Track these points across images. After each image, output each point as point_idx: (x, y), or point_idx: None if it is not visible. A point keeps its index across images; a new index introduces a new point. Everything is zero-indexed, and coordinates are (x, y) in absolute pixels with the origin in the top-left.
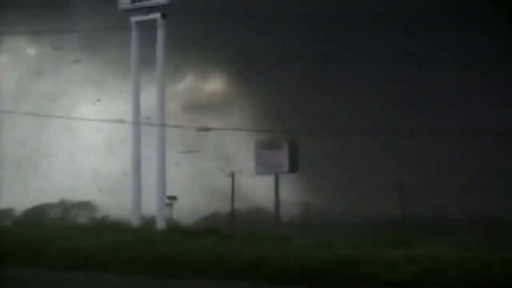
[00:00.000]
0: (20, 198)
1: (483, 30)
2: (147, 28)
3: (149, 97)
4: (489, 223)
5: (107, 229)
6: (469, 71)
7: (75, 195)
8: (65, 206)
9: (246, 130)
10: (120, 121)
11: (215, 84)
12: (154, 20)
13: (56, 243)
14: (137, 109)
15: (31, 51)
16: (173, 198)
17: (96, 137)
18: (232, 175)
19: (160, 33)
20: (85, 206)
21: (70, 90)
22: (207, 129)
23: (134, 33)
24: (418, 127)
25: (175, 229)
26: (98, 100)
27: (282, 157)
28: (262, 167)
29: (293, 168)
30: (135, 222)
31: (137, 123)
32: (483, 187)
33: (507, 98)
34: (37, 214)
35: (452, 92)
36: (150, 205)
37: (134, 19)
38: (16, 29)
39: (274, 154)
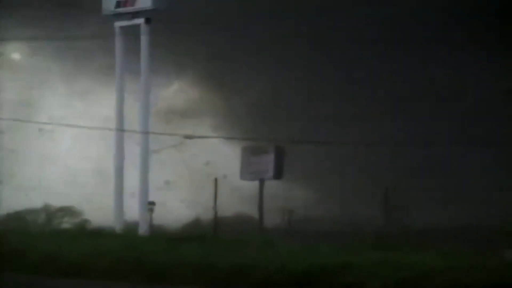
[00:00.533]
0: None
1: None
2: (131, 34)
3: (133, 104)
4: (475, 232)
5: (89, 235)
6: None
7: (58, 201)
8: (48, 212)
9: (231, 138)
10: (104, 128)
11: (200, 91)
12: (138, 26)
13: (37, 248)
14: (120, 115)
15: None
16: (152, 203)
17: (78, 143)
18: (216, 181)
19: (144, 39)
20: (68, 211)
21: (50, 96)
22: (192, 137)
23: (117, 38)
24: (406, 136)
25: (158, 235)
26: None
27: (268, 163)
28: (247, 173)
29: (279, 174)
30: (118, 227)
31: (121, 130)
32: (471, 196)
33: (497, 108)
34: (18, 219)
35: (439, 100)
36: (133, 211)
37: (118, 24)
38: None
39: (260, 160)
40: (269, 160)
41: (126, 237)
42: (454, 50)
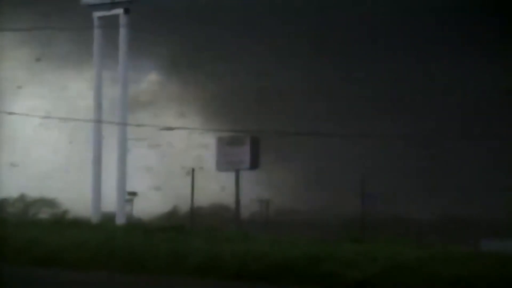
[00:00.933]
0: None
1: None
2: (110, 25)
3: (111, 95)
4: (452, 223)
5: (67, 225)
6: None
7: (35, 191)
8: (25, 202)
9: (207, 130)
10: (82, 119)
11: (176, 82)
12: (117, 16)
13: (13, 238)
14: (98, 106)
15: None
16: (134, 193)
17: (57, 133)
18: (192, 171)
19: (122, 30)
20: (45, 202)
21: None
22: (169, 128)
23: (96, 29)
24: (384, 128)
25: (134, 225)
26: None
27: (244, 153)
28: (223, 164)
29: (255, 164)
30: (95, 218)
31: (98, 121)
32: (449, 188)
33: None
34: None
35: (422, 92)
36: (111, 202)
37: (96, 14)
38: None
39: (235, 151)
40: (244, 150)
41: (102, 228)
42: (455, 49)
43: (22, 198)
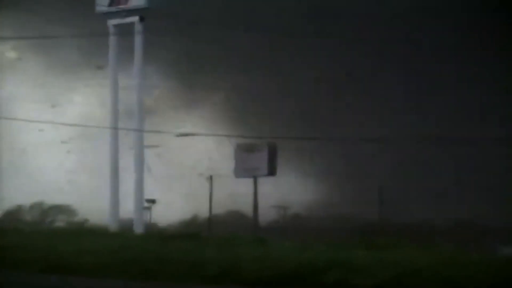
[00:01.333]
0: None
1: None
2: (125, 32)
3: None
4: (466, 229)
5: (84, 233)
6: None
7: (53, 198)
8: (43, 209)
9: (224, 136)
10: (99, 126)
11: (193, 89)
12: (132, 24)
13: (34, 247)
14: (115, 113)
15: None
16: (152, 201)
17: (73, 141)
18: (210, 178)
19: (137, 37)
20: (63, 209)
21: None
22: (186, 134)
23: (112, 36)
24: (401, 134)
25: (152, 233)
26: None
27: (261, 160)
28: (241, 170)
29: (272, 171)
30: (113, 225)
31: (115, 128)
32: (461, 194)
33: (496, 108)
34: (15, 216)
35: (439, 101)
36: (129, 209)
37: (111, 22)
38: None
39: (253, 157)
40: (262, 157)
41: (120, 236)
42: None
43: (38, 205)
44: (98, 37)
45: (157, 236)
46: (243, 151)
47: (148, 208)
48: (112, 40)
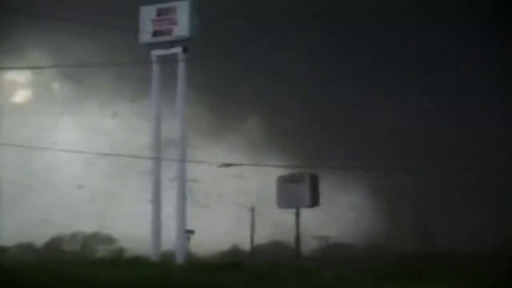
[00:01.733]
0: (33, 230)
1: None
2: (169, 62)
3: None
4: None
5: (128, 263)
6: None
7: (91, 227)
8: (83, 239)
9: (266, 166)
10: (139, 156)
11: (236, 120)
12: (176, 54)
13: (76, 278)
14: (158, 142)
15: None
16: (191, 231)
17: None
18: (252, 209)
19: (181, 67)
20: (103, 238)
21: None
22: (228, 165)
23: (155, 67)
24: (439, 163)
25: (195, 263)
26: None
27: (304, 191)
28: (284, 201)
29: (314, 202)
30: (155, 256)
31: (157, 158)
32: (503, 222)
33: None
34: (54, 247)
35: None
36: (169, 239)
37: (155, 53)
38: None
39: (295, 188)
40: (304, 188)
41: (163, 266)
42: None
43: (78, 235)
44: (141, 67)
45: (201, 266)
46: (285, 182)
47: (188, 239)
48: (155, 70)
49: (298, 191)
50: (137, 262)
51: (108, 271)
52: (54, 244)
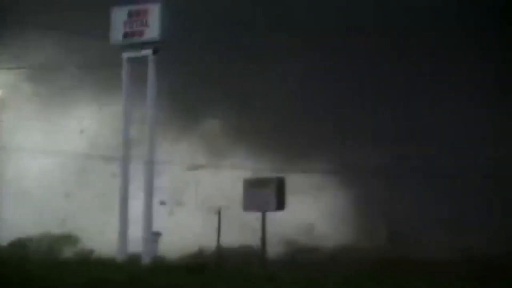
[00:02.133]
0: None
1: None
2: (139, 65)
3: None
4: (475, 263)
5: (92, 265)
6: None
7: (60, 229)
8: (49, 240)
9: (234, 169)
10: (109, 157)
11: (204, 122)
12: (146, 57)
13: (40, 279)
14: (126, 144)
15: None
16: (158, 234)
17: (82, 170)
18: (219, 212)
19: (151, 70)
20: (69, 240)
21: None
22: (196, 167)
23: (125, 69)
24: (413, 167)
25: (161, 265)
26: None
27: (270, 195)
28: (250, 205)
29: (280, 205)
30: (121, 257)
31: (126, 159)
32: (470, 228)
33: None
34: (20, 247)
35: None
36: (135, 241)
37: (126, 55)
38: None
39: (261, 192)
40: (270, 192)
41: (128, 268)
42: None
43: (46, 236)
44: (112, 69)
45: (166, 268)
46: (252, 186)
47: (155, 241)
48: (125, 72)
49: (264, 195)
50: (101, 264)
51: (70, 272)
52: (19, 244)
